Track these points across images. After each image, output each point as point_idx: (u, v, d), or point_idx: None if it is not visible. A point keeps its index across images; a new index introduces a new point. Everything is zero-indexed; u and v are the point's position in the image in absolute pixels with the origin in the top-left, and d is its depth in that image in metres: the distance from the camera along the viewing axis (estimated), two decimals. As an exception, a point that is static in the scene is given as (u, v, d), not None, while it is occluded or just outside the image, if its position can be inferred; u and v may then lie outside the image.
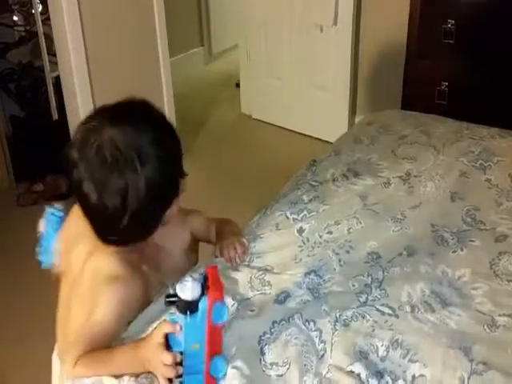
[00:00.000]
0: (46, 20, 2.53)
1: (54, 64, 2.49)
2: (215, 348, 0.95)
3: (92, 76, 2.43)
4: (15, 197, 2.70)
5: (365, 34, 3.02)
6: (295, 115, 3.31)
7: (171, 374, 0.91)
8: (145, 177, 0.97)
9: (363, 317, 1.09)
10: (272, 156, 3.08)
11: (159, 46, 2.73)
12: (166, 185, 1.03)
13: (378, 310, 1.11)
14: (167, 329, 0.92)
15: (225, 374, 0.97)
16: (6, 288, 2.17)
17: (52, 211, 1.22)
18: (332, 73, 3.09)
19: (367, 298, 1.14)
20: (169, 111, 2.88)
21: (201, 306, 0.89)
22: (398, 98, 2.70)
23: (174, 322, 0.91)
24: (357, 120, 3.05)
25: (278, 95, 3.37)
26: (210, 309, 0.89)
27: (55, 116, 2.63)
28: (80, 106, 2.42)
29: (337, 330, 1.07)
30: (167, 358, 0.90)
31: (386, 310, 1.11)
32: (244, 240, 1.29)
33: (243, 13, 3.36)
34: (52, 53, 2.46)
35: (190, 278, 0.89)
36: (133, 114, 1.03)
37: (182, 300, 0.88)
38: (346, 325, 1.07)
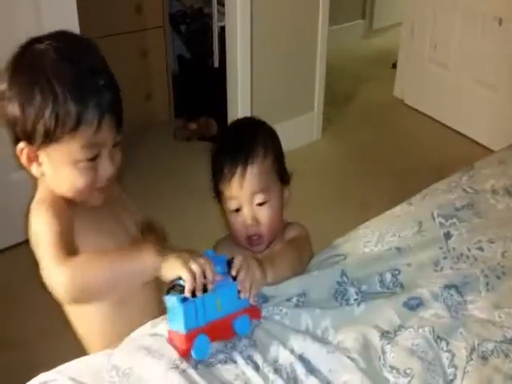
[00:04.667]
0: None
1: (222, 14, 2.55)
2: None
3: (253, 31, 2.48)
4: (172, 130, 2.95)
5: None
6: (453, 110, 3.07)
7: (208, 267, 0.88)
8: None
9: (506, 355, 0.98)
10: (419, 148, 2.92)
11: (320, 13, 2.71)
12: None
13: (526, 352, 0.99)
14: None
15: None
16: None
17: None
18: (504, 72, 2.82)
19: (515, 336, 1.02)
20: (319, 79, 2.85)
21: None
22: None
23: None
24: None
25: (438, 84, 3.15)
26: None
27: (216, 63, 2.71)
28: (239, 58, 2.48)
29: (472, 359, 0.97)
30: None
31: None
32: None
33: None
34: (222, 3, 2.50)
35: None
36: None
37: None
38: (484, 357, 0.97)
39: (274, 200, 1.13)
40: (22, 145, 0.93)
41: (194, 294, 0.89)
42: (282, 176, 1.17)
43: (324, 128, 2.97)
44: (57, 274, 0.86)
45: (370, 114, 3.27)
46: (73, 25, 1.99)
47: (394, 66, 3.53)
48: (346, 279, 1.12)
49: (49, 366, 0.98)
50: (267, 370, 0.93)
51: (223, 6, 2.49)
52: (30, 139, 0.92)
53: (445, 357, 0.98)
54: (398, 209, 1.40)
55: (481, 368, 0.96)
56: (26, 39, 0.93)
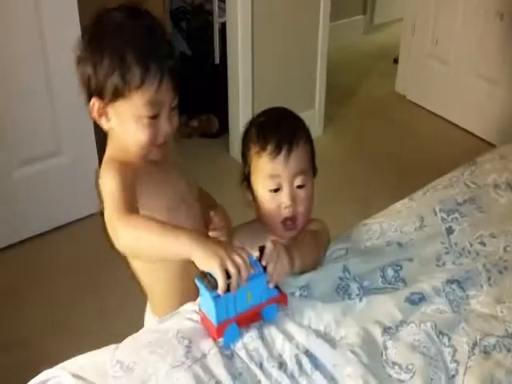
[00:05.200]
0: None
1: (223, 10, 2.55)
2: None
3: (254, 27, 2.47)
4: (174, 128, 2.95)
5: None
6: (456, 105, 3.06)
7: (244, 268, 0.89)
8: None
9: (508, 350, 0.98)
10: (421, 143, 2.91)
11: (321, 9, 2.70)
12: None
13: (528, 346, 0.99)
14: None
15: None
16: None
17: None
18: (505, 67, 2.81)
19: (517, 331, 1.02)
20: (320, 75, 2.85)
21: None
22: None
23: None
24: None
25: (440, 80, 3.13)
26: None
27: (217, 60, 2.71)
28: (240, 54, 2.47)
29: (474, 354, 0.98)
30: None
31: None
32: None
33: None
34: (222, -1, 2.50)
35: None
36: None
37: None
38: (486, 352, 0.98)
39: (310, 186, 1.14)
40: (93, 100, 1.04)
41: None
42: (314, 166, 1.19)
43: (325, 124, 2.96)
44: (116, 228, 0.95)
45: (371, 109, 3.25)
46: (74, 23, 1.99)
47: (396, 61, 3.52)
48: (348, 275, 1.12)
49: (51, 363, 0.98)
50: (271, 365, 0.93)
51: (224, 2, 2.49)
52: (100, 95, 1.03)
53: (447, 352, 0.98)
54: (399, 204, 1.40)
55: (483, 363, 0.96)
56: (100, 10, 1.05)
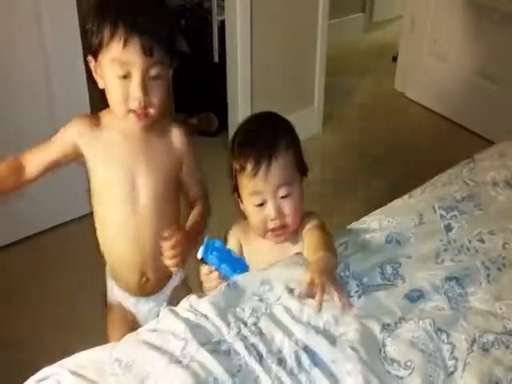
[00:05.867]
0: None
1: (222, 8, 2.54)
2: None
3: (253, 25, 2.47)
4: (173, 125, 2.95)
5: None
6: (455, 103, 3.06)
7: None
8: None
9: (507, 347, 0.98)
10: (420, 141, 2.91)
11: (320, 7, 2.70)
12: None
13: (526, 343, 0.99)
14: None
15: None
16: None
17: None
18: (505, 65, 2.81)
19: (515, 327, 1.02)
20: (319, 73, 2.85)
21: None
22: None
23: None
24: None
25: (439, 78, 3.14)
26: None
27: (216, 58, 2.70)
28: (238, 52, 2.47)
29: (473, 351, 0.97)
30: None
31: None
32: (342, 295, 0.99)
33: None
34: (221, -4, 2.50)
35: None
36: None
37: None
38: (484, 349, 0.98)
39: (296, 192, 1.13)
40: (89, 57, 1.13)
41: None
42: (301, 167, 1.17)
43: (324, 122, 2.96)
44: None
45: (370, 107, 3.26)
46: (73, 23, 2.00)
47: (395, 59, 3.52)
48: (347, 272, 1.12)
49: (50, 361, 0.98)
50: (271, 360, 0.93)
51: (223, 0, 2.48)
52: (92, 53, 1.11)
53: (445, 349, 0.98)
54: (398, 201, 1.40)
55: (481, 360, 0.96)
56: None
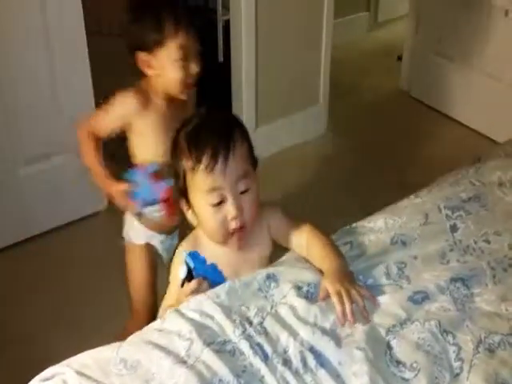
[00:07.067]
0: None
1: (226, 8, 2.54)
2: None
3: (258, 25, 2.47)
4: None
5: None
6: (460, 103, 3.05)
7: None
8: None
9: (514, 348, 0.98)
10: (425, 141, 2.90)
11: (325, 6, 2.70)
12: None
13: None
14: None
15: None
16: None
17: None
18: (510, 63, 2.80)
19: (521, 328, 1.02)
20: (324, 72, 2.85)
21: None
22: None
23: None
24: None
25: (444, 77, 3.12)
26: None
27: (221, 58, 2.70)
28: (243, 52, 2.48)
29: (479, 352, 0.97)
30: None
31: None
32: (364, 291, 1.05)
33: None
34: (226, -3, 2.50)
35: None
36: None
37: None
38: (491, 350, 0.97)
39: (254, 186, 1.08)
40: (137, 54, 1.36)
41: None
42: (254, 159, 1.11)
43: (329, 121, 2.96)
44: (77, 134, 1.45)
45: (375, 106, 3.25)
46: (78, 23, 2.01)
47: (400, 58, 3.51)
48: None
49: (56, 361, 0.98)
50: (276, 361, 0.93)
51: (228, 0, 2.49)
52: (143, 48, 1.35)
53: (451, 350, 0.98)
54: (404, 201, 1.39)
55: (487, 361, 0.95)
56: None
